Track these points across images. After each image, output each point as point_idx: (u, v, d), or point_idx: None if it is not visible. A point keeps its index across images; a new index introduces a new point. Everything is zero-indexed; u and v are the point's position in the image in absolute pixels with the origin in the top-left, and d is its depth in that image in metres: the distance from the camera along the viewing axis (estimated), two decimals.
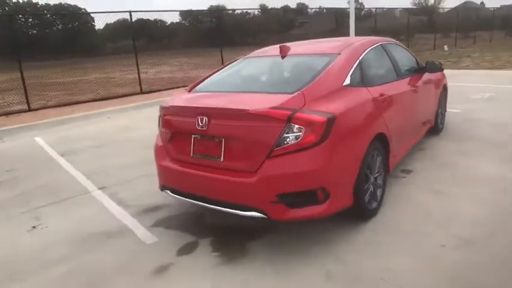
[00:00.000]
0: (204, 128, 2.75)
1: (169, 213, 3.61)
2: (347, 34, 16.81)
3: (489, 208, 3.19)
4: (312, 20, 37.99)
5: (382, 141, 3.13)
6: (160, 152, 3.17)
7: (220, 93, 3.14)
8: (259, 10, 36.11)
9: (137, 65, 11.18)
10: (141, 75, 11.43)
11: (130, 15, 11.12)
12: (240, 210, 2.67)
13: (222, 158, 2.74)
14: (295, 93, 2.69)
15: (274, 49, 3.71)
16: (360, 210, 2.92)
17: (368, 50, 3.45)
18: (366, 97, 3.03)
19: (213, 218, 3.42)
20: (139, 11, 11.91)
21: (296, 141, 2.47)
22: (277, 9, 35.66)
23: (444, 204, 3.32)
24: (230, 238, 3.08)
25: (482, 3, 61.56)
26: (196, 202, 2.94)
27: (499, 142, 4.82)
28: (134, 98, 10.48)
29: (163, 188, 3.20)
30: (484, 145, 4.72)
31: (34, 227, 3.54)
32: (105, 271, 2.77)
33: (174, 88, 11.87)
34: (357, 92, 2.99)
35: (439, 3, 50.27)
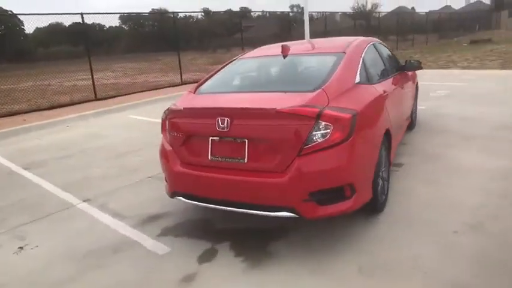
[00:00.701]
0: (226, 130, 2.68)
1: (173, 221, 3.46)
2: (294, 38, 17.21)
3: (484, 195, 3.47)
4: (256, 24, 38.63)
5: (387, 136, 3.28)
6: (170, 157, 3.04)
7: (236, 94, 3.09)
8: (202, 14, 35.83)
9: (91, 71, 10.53)
10: (83, 81, 10.77)
11: (82, 18, 10.48)
12: (269, 211, 2.65)
13: (246, 159, 2.69)
14: (317, 91, 2.73)
15: (275, 48, 3.74)
16: (375, 203, 3.03)
17: (366, 48, 3.61)
18: (375, 94, 3.16)
19: (223, 223, 3.35)
20: (92, 13, 11.24)
21: (324, 138, 2.51)
22: (221, 13, 35.65)
23: (441, 194, 3.56)
24: (248, 241, 3.03)
25: (413, 8, 66.83)
26: (214, 206, 2.86)
27: (470, 135, 5.26)
28: (89, 105, 9.88)
29: (174, 194, 3.07)
30: (457, 138, 5.13)
31: (21, 248, 3.20)
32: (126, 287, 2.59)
33: (133, 93, 11.41)
34: (367, 89, 3.12)
35: (375, 8, 53.70)
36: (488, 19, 41.56)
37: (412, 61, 4.77)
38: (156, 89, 12.14)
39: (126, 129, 7.35)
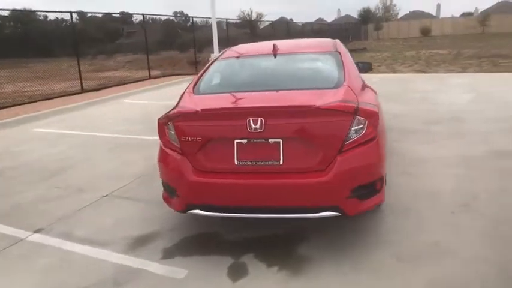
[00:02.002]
0: (259, 130, 2.50)
1: (170, 241, 3.07)
2: (183, 44, 16.76)
3: (454, 180, 3.92)
4: (140, 29, 36.76)
5: None
6: (181, 166, 2.69)
7: (254, 93, 2.89)
8: (77, 17, 32.43)
9: None
10: None
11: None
12: (310, 213, 2.56)
13: (281, 161, 2.54)
14: (344, 88, 2.75)
15: (263, 47, 3.65)
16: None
17: (345, 48, 3.78)
18: (372, 90, 3.33)
19: (231, 234, 3.10)
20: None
21: (360, 134, 2.54)
22: (98, 16, 32.68)
23: (420, 183, 3.90)
24: (272, 249, 2.87)
25: (291, 19, 72.62)
26: (240, 215, 2.65)
27: (409, 129, 5.91)
28: None
29: (188, 208, 2.72)
30: (402, 133, 5.69)
31: None
32: None
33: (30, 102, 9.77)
34: (367, 86, 3.26)
35: (260, 18, 56.70)
36: (358, 31, 47.64)
37: (363, 62, 5.09)
38: (51, 98, 10.49)
39: (41, 144, 6.26)
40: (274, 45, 3.48)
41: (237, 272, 2.62)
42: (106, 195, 4.06)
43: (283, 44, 3.67)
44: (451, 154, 4.71)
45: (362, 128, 2.54)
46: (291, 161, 2.53)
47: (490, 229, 2.98)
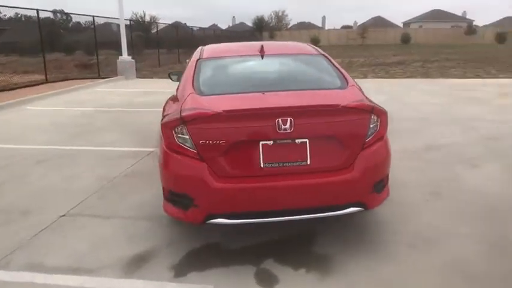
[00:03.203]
0: (288, 131, 2.44)
1: (175, 256, 2.79)
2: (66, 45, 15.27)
3: (416, 172, 4.35)
4: (14, 27, 32.42)
5: None
6: (200, 174, 2.46)
7: (265, 93, 2.77)
8: None
9: None
10: None
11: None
12: (336, 211, 2.58)
13: (308, 161, 2.52)
14: (352, 88, 2.85)
15: (251, 48, 3.58)
16: None
17: None
18: None
19: (236, 242, 2.95)
20: None
21: (376, 131, 2.67)
22: None
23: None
24: (287, 251, 2.82)
25: (185, 23, 71.89)
26: (267, 220, 2.54)
27: None
28: None
29: (209, 217, 2.50)
30: None
31: None
32: None
33: None
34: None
35: (155, 21, 54.78)
36: (254, 38, 49.63)
37: None
38: None
39: None
40: (262, 46, 3.44)
41: (266, 279, 2.51)
42: (64, 215, 3.49)
43: (265, 45, 3.64)
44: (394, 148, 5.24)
45: (376, 126, 2.67)
46: (317, 160, 2.54)
47: (468, 209, 3.42)
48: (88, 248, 2.94)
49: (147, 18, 54.39)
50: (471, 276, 2.52)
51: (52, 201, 3.80)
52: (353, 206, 2.61)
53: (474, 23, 57.08)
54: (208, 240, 3.00)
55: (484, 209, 3.43)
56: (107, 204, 3.71)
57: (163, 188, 2.75)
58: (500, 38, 44.05)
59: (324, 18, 77.97)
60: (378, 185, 2.70)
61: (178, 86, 3.37)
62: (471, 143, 5.46)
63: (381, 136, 2.71)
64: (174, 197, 2.65)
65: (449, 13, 67.38)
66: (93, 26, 14.82)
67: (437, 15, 65.57)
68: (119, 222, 3.36)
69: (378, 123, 2.68)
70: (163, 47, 23.80)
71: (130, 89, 11.65)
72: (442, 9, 68.49)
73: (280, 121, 2.43)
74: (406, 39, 48.51)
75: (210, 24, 72.74)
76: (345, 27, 70.77)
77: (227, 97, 2.73)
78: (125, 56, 13.89)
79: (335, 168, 2.57)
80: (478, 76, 13.59)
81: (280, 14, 66.20)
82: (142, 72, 15.79)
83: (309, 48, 3.77)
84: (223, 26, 76.37)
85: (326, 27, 71.54)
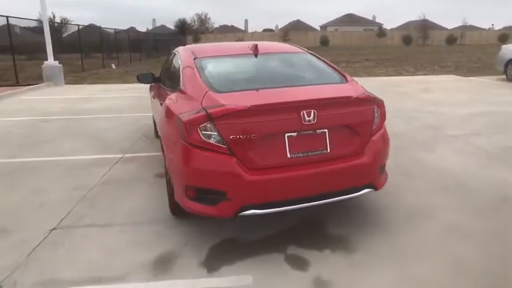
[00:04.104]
0: (312, 122, 2.64)
1: (199, 253, 2.83)
2: None
3: None
4: None
5: None
6: (233, 167, 2.56)
7: (279, 89, 2.94)
8: None
9: None
10: None
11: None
12: (353, 193, 2.85)
13: (328, 149, 2.75)
14: (352, 82, 3.15)
15: (241, 47, 3.69)
16: None
17: None
18: None
19: (252, 233, 3.08)
20: None
21: (378, 119, 3.00)
22: None
23: None
24: (304, 236, 3.01)
25: (99, 26, 68.05)
26: (294, 207, 2.71)
27: None
28: None
29: (242, 209, 2.59)
30: None
31: None
32: None
33: None
34: None
35: (66, 22, 50.89)
36: (178, 42, 48.87)
37: None
38: None
39: None
40: (252, 46, 3.62)
41: (298, 263, 2.68)
42: (54, 229, 3.28)
43: (253, 45, 3.80)
44: None
45: (378, 115, 3.01)
46: (336, 148, 2.78)
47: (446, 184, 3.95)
48: (101, 257, 2.83)
49: (58, 20, 50.43)
50: (468, 234, 3.00)
51: (30, 216, 3.52)
52: (367, 188, 2.91)
53: (384, 26, 62.93)
54: (224, 236, 3.08)
55: (452, 183, 3.99)
56: (100, 213, 3.55)
57: (184, 187, 2.76)
58: (407, 39, 49.26)
59: (246, 21, 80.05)
60: (382, 168, 3.05)
61: (160, 87, 3.35)
62: (418, 131, 6.20)
63: (382, 124, 3.05)
64: (202, 193, 2.69)
65: (361, 17, 73.48)
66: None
67: (350, 19, 71.03)
68: (121, 229, 3.25)
69: (378, 113, 3.02)
70: (79, 51, 22.07)
71: (65, 96, 10.86)
72: (354, 13, 74.50)
73: (304, 113, 2.63)
74: (325, 42, 51.81)
75: (127, 27, 69.86)
76: (266, 30, 73.11)
77: (246, 93, 2.84)
78: (51, 61, 12.87)
79: (350, 154, 2.84)
80: (400, 74, 15.17)
81: (203, 17, 66.25)
82: (67, 78, 14.76)
83: (294, 47, 4.02)
84: (142, 29, 73.86)
85: (249, 30, 73.16)
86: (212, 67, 3.32)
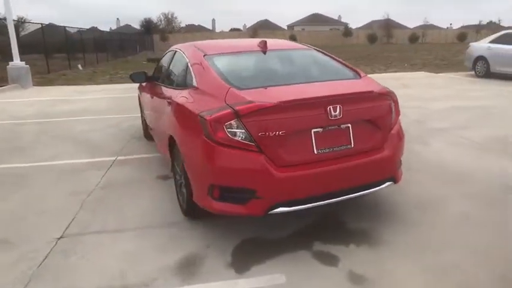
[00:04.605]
0: (338, 117, 2.65)
1: (223, 254, 2.77)
2: None
3: None
4: None
5: None
6: (263, 165, 2.52)
7: (300, 85, 2.93)
8: None
9: None
10: None
11: None
12: (376, 187, 2.88)
13: (352, 144, 2.76)
14: (366, 77, 3.18)
15: (249, 44, 3.65)
16: None
17: None
18: None
19: (272, 232, 3.05)
20: None
21: (394, 114, 3.06)
22: None
23: None
24: (327, 233, 3.02)
25: (64, 27, 65.43)
26: (319, 203, 2.70)
27: None
28: None
29: (272, 207, 2.56)
30: None
31: None
32: None
33: None
34: None
35: (24, 21, 48.48)
36: (144, 41, 47.87)
37: None
38: None
39: None
40: (259, 43, 3.62)
41: (327, 259, 2.68)
42: (61, 237, 3.11)
43: (259, 42, 3.76)
44: None
45: (394, 110, 3.07)
46: (358, 143, 2.79)
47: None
48: (121, 264, 2.71)
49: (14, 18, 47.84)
50: (480, 222, 3.10)
51: (31, 226, 3.31)
52: (388, 181, 2.96)
53: (349, 26, 64.52)
54: (244, 236, 3.02)
55: (453, 175, 4.14)
56: (106, 218, 3.40)
57: (209, 186, 2.68)
58: (372, 38, 50.72)
59: (213, 21, 79.61)
60: (400, 161, 3.11)
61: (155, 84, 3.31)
62: (409, 125, 6.37)
63: (397, 119, 3.11)
64: (229, 192, 2.63)
65: (327, 17, 74.94)
66: None
67: (317, 19, 72.28)
68: (135, 234, 3.13)
69: (394, 108, 3.08)
70: (38, 51, 20.93)
71: (36, 98, 10.33)
72: (320, 13, 75.87)
73: (331, 108, 2.63)
74: (293, 41, 52.33)
75: (89, 26, 67.47)
76: (234, 29, 72.98)
77: (269, 90, 2.80)
78: (17, 61, 12.21)
79: (372, 149, 2.87)
80: (373, 71, 15.58)
81: (169, 16, 65.11)
82: (34, 79, 14.06)
83: (298, 44, 4.03)
84: (105, 28, 71.53)
85: (216, 30, 72.75)
86: (226, 64, 3.26)
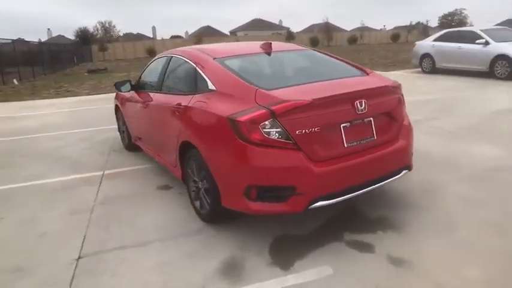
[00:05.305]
0: (364, 111, 2.81)
1: (260, 255, 2.81)
2: None
3: None
4: None
5: None
6: (303, 162, 2.61)
7: (321, 82, 3.03)
8: None
9: None
10: None
11: None
12: (396, 175, 3.08)
13: (375, 136, 2.94)
14: (374, 73, 3.39)
15: (253, 46, 3.73)
16: None
17: None
18: None
19: (297, 228, 3.15)
20: None
21: (404, 106, 3.31)
22: None
23: None
24: (351, 223, 3.17)
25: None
26: (350, 196, 2.84)
27: None
28: None
29: (312, 202, 2.65)
30: None
31: None
32: None
33: None
34: None
35: None
36: (82, 52, 45.66)
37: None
38: None
39: None
40: (269, 44, 3.71)
41: (362, 247, 2.82)
42: (80, 257, 2.95)
43: (262, 44, 3.85)
44: None
45: (403, 102, 3.32)
46: (379, 135, 2.98)
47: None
48: (161, 276, 2.64)
49: None
50: (481, 200, 3.43)
51: (37, 250, 3.10)
52: (404, 170, 3.18)
53: (291, 30, 66.39)
54: (273, 234, 3.08)
55: (439, 161, 4.52)
56: (122, 233, 3.28)
57: (245, 188, 2.70)
58: (314, 41, 52.72)
59: (154, 28, 77.59)
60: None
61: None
62: None
63: (405, 110, 3.36)
64: (269, 191, 2.67)
65: (269, 22, 76.64)
66: None
67: (259, 24, 73.62)
68: (160, 245, 3.06)
69: (402, 99, 3.32)
70: None
71: None
72: (262, 18, 77.37)
73: (358, 103, 2.79)
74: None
75: (16, 37, 62.85)
76: (174, 36, 72.02)
77: (296, 89, 2.88)
78: None
79: (390, 140, 3.07)
80: None
81: (107, 25, 62.62)
82: None
83: (296, 45, 4.18)
84: (34, 39, 67.11)
85: (158, 37, 71.31)
86: (240, 66, 3.30)
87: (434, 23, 77.73)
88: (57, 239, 3.25)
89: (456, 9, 79.09)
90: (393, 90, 3.15)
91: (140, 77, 4.92)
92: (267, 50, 3.68)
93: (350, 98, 2.81)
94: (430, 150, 4.93)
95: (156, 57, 4.73)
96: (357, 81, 3.21)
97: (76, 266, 2.83)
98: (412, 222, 3.15)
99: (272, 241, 3.00)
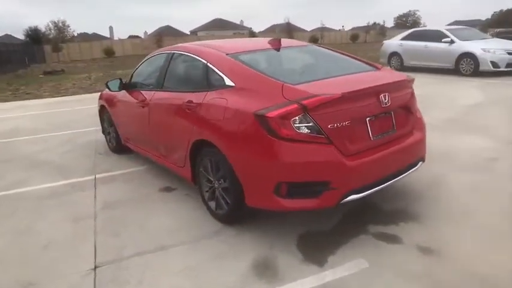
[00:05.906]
0: (388, 104, 2.85)
1: (290, 252, 2.78)
2: None
3: None
4: None
5: None
6: (335, 156, 2.61)
7: (333, 78, 3.05)
8: None
9: None
10: None
11: None
12: (414, 167, 3.16)
13: (395, 129, 2.99)
14: (383, 68, 3.45)
15: (260, 43, 3.71)
16: None
17: None
18: None
19: (321, 224, 3.15)
20: None
21: (415, 99, 3.40)
22: None
23: None
24: (369, 217, 3.20)
25: None
26: (379, 188, 2.87)
27: None
28: None
29: (345, 196, 2.65)
30: None
31: None
32: None
33: None
34: None
35: None
36: (33, 52, 43.27)
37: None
38: None
39: None
40: (278, 40, 3.70)
41: (388, 239, 2.87)
42: (96, 267, 2.78)
43: (268, 41, 3.81)
44: None
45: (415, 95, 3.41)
46: (399, 127, 3.04)
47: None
48: (193, 280, 2.54)
49: None
50: (487, 188, 3.59)
51: (44, 261, 2.89)
52: (420, 161, 3.28)
53: (252, 30, 66.64)
54: (297, 231, 3.05)
55: (435, 154, 4.68)
56: (135, 238, 3.13)
57: (276, 185, 2.64)
58: None
59: (111, 28, 74.53)
60: None
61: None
62: None
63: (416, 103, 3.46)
64: (301, 187, 2.64)
65: (230, 22, 76.38)
66: None
67: (219, 24, 73.19)
68: (181, 249, 2.94)
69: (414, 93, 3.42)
70: None
71: None
72: (223, 18, 77.03)
73: (382, 97, 2.84)
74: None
75: None
76: (132, 36, 70.06)
77: (322, 83, 2.87)
78: None
79: (408, 132, 3.15)
80: None
81: (60, 24, 59.67)
82: None
83: (300, 41, 4.19)
84: None
85: (115, 37, 68.90)
86: (256, 61, 3.25)
87: (390, 23, 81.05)
88: (64, 249, 3.05)
89: (410, 11, 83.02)
90: (409, 85, 3.23)
91: (132, 76, 4.72)
92: (276, 46, 3.65)
93: (376, 91, 2.85)
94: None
95: (151, 55, 4.56)
96: (375, 76, 3.25)
97: (95, 276, 2.67)
98: (427, 213, 3.25)
99: (298, 238, 2.97)
